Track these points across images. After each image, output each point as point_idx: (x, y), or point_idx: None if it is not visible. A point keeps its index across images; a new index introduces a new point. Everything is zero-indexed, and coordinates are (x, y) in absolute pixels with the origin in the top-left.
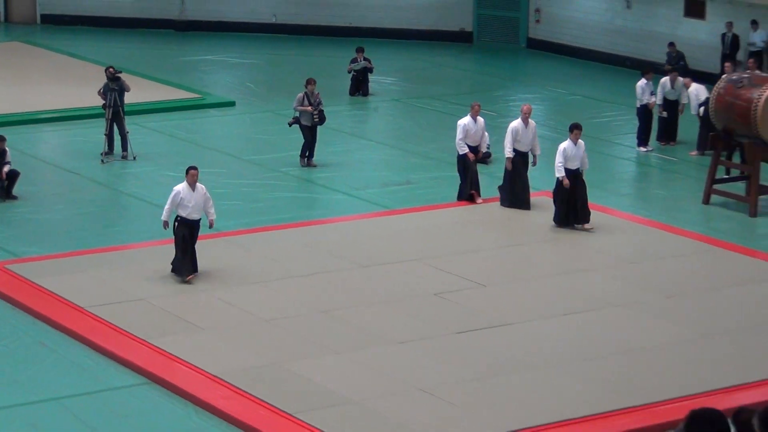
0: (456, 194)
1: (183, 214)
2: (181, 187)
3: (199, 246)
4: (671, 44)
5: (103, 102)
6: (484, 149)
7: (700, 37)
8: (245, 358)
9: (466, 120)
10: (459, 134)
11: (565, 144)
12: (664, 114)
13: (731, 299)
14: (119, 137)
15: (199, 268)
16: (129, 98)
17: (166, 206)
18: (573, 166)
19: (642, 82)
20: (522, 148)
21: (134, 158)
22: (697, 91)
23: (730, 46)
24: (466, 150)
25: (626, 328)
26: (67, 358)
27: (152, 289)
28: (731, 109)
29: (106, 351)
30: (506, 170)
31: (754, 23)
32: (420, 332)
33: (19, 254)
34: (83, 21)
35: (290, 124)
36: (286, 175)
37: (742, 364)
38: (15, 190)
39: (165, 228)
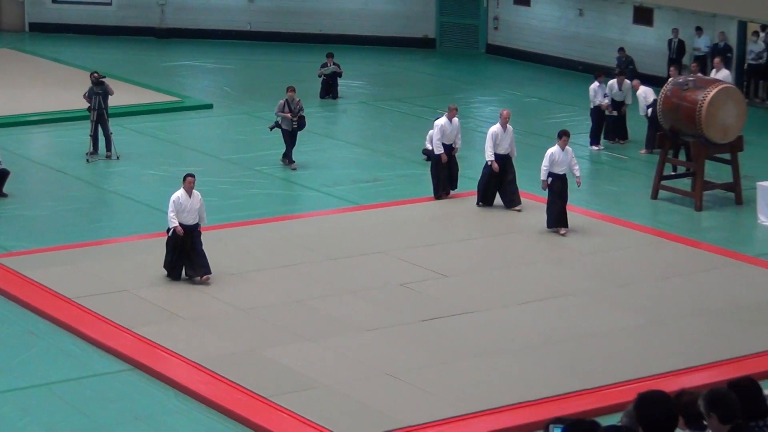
0: (420, 191)
1: (179, 219)
2: (179, 193)
3: None
4: (621, 49)
5: (88, 105)
6: (458, 146)
7: (648, 43)
8: (223, 345)
9: (442, 120)
10: (436, 134)
11: (553, 149)
12: (615, 113)
13: (678, 288)
14: (103, 138)
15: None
16: (112, 101)
17: (170, 214)
18: (560, 170)
19: (595, 84)
20: (501, 152)
21: (118, 158)
22: (645, 93)
23: (676, 51)
24: (442, 151)
25: (580, 315)
26: (55, 345)
27: (135, 281)
28: (677, 110)
29: (91, 339)
30: (485, 172)
31: (699, 29)
32: (387, 320)
33: (9, 248)
34: (69, 29)
35: (271, 128)
36: (261, 173)
37: (688, 349)
38: (5, 188)
39: (180, 233)
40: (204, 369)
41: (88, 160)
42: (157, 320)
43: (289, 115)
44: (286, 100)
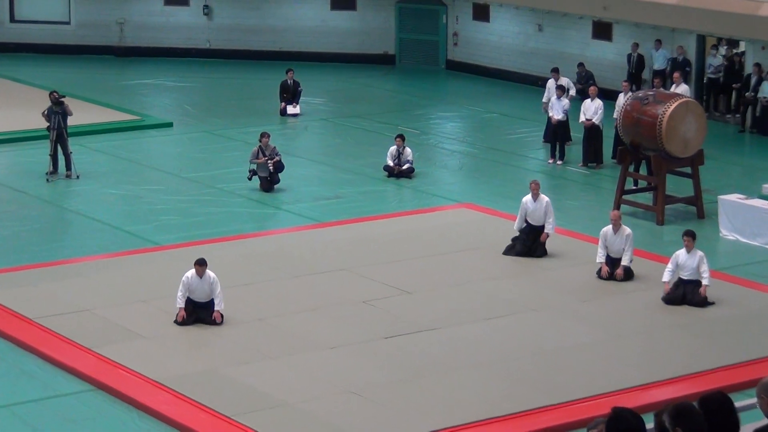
0: (381, 208)
1: (190, 296)
2: (190, 274)
3: (140, 260)
4: (581, 64)
5: (48, 124)
6: (550, 231)
7: (608, 57)
8: (185, 364)
9: (526, 198)
10: (520, 211)
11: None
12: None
13: (641, 302)
14: (63, 157)
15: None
16: (72, 120)
17: (179, 294)
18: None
19: (553, 97)
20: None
21: (78, 177)
22: (599, 105)
23: (636, 66)
24: (517, 226)
25: (545, 330)
26: (16, 366)
27: (96, 300)
28: (638, 124)
29: (53, 359)
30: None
31: (658, 43)
32: (349, 337)
33: None
34: (27, 48)
35: (249, 178)
36: (222, 191)
37: (653, 362)
38: None
39: (180, 319)
40: (166, 388)
41: (48, 180)
42: (119, 340)
43: (263, 159)
44: (260, 146)
